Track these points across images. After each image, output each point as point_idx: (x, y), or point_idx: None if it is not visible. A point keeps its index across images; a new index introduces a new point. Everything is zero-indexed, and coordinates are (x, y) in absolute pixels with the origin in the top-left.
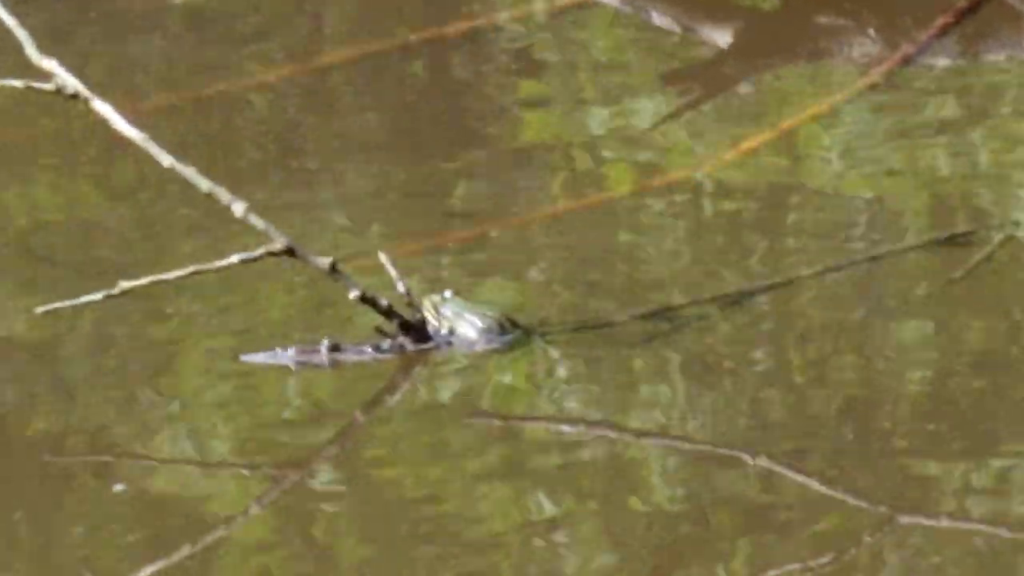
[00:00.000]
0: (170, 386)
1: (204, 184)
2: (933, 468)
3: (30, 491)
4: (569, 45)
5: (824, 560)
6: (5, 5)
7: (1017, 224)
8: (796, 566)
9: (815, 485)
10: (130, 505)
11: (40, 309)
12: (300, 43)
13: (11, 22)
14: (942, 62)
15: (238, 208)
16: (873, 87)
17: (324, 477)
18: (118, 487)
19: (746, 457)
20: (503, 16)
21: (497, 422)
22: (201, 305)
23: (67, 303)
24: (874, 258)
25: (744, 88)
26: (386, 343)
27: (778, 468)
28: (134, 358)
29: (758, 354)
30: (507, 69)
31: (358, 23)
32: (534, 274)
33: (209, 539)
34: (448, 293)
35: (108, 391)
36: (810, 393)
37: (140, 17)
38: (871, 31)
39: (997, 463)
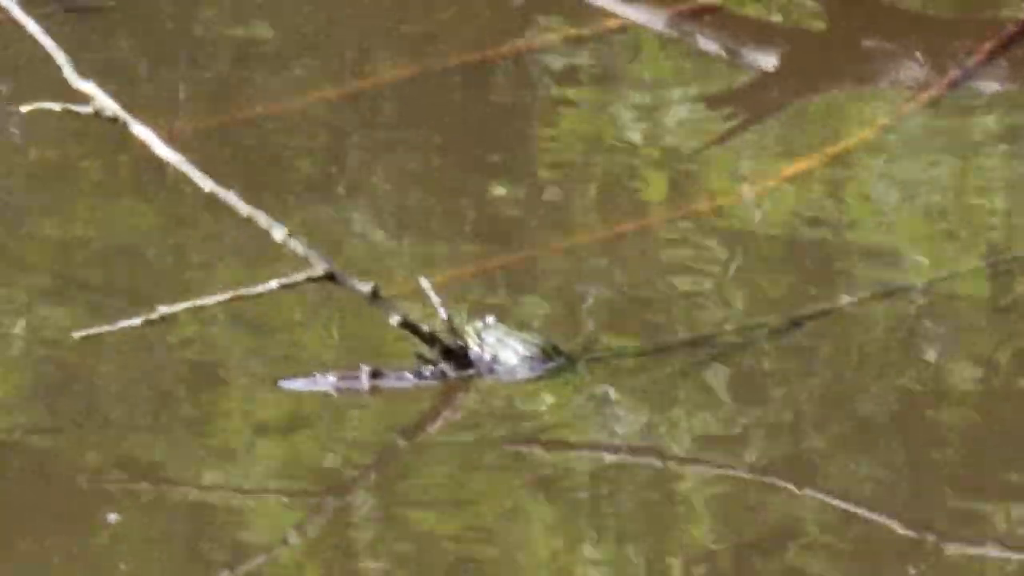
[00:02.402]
0: (209, 413)
1: (244, 208)
2: (982, 498)
3: (68, 517)
4: (614, 68)
5: None
6: (48, 32)
7: None
8: None
9: (862, 513)
10: (169, 531)
11: (78, 334)
12: (344, 65)
13: (50, 45)
14: (991, 87)
15: (278, 233)
16: (920, 111)
17: (363, 504)
18: (112, 517)
19: (792, 487)
20: (551, 38)
21: (539, 450)
22: (240, 331)
23: (105, 328)
24: (922, 285)
25: (790, 112)
26: (427, 370)
27: (824, 497)
28: (173, 385)
29: (805, 381)
30: (553, 91)
31: (401, 46)
32: (578, 299)
33: (248, 567)
34: (491, 319)
35: (146, 417)
36: (858, 421)
37: (184, 41)
38: (918, 55)
39: None
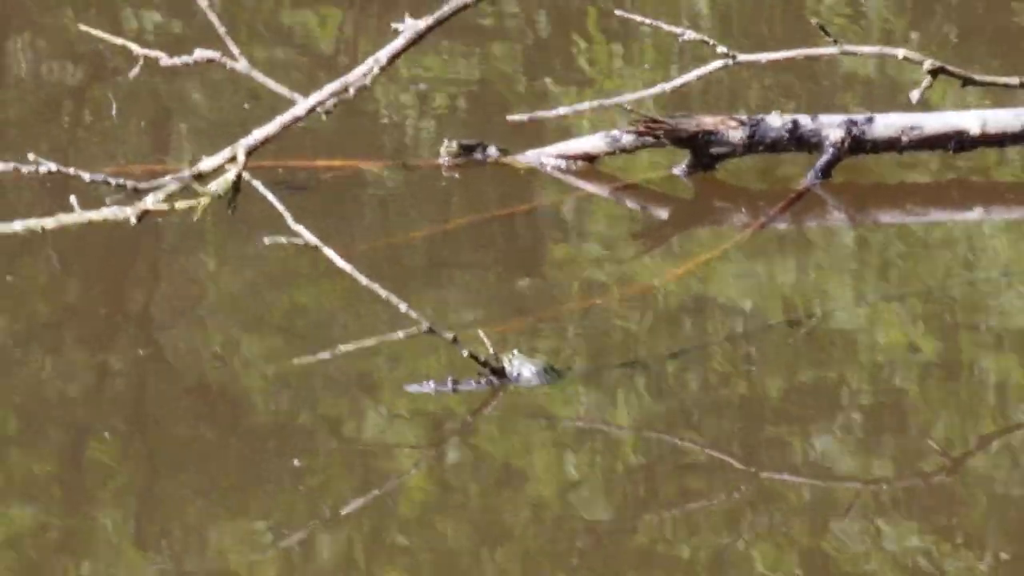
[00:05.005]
0: (367, 403)
1: (383, 293)
2: (786, 441)
3: (279, 459)
4: (582, 217)
5: (714, 501)
6: (276, 196)
7: (823, 315)
8: (698, 504)
9: (713, 453)
10: (341, 465)
11: (296, 361)
12: (434, 214)
13: (279, 205)
14: (783, 227)
15: (402, 306)
16: (745, 241)
17: (451, 453)
18: (296, 462)
19: (677, 440)
20: (548, 202)
21: (544, 421)
22: (382, 359)
23: (309, 359)
24: (748, 333)
25: (677, 240)
26: (483, 380)
27: (690, 445)
28: (345, 388)
29: (689, 381)
30: (549, 229)
31: (467, 204)
32: (566, 342)
33: (389, 486)
34: (516, 352)
35: (334, 405)
36: (715, 398)
37: (353, 207)
38: (743, 209)
39: (829, 438)
